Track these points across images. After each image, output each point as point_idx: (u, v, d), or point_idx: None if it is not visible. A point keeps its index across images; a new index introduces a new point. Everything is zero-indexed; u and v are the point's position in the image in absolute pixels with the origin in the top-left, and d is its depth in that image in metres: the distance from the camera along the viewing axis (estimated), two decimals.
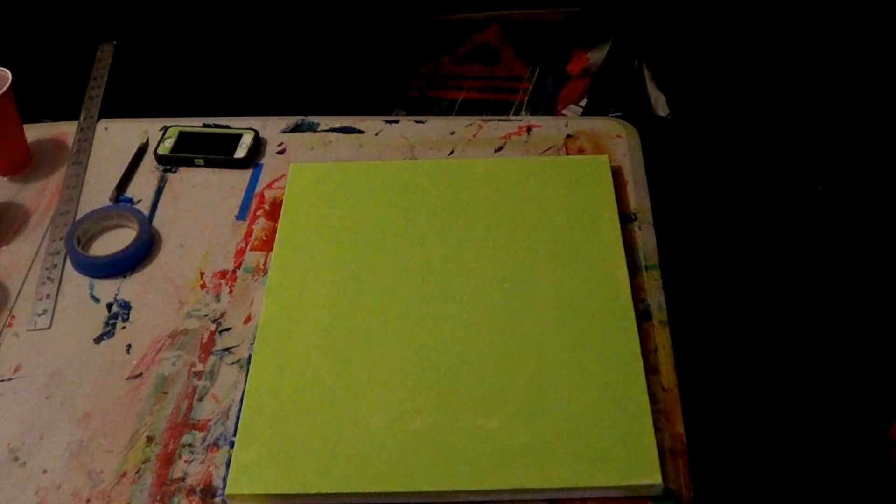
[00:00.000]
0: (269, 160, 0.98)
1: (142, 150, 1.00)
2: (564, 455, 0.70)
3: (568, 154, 0.97)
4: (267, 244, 0.89)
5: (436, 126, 1.01)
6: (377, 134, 1.01)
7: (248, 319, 0.83)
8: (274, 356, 0.78)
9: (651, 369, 0.77)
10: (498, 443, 0.71)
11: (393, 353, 0.78)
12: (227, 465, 0.72)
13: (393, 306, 0.82)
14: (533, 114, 1.48)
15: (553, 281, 0.83)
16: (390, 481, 0.69)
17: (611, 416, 0.73)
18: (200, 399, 0.77)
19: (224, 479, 0.71)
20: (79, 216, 0.93)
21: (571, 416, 0.73)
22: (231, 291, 0.85)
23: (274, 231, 0.90)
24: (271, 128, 1.02)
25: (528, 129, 1.00)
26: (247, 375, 0.77)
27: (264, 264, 0.88)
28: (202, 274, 0.87)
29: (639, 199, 0.92)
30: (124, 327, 0.83)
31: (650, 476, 0.69)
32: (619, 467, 0.69)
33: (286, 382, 0.76)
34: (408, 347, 0.78)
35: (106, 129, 1.03)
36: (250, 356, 0.79)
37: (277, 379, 0.76)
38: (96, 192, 0.96)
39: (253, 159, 0.98)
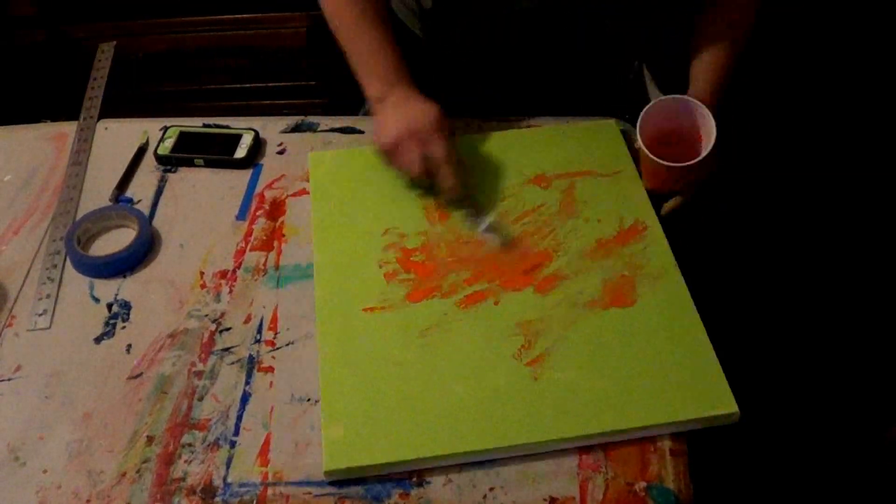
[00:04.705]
0: (269, 160, 0.98)
1: (142, 150, 1.00)
2: (642, 396, 0.73)
3: None
4: (267, 244, 0.89)
5: None
6: None
7: (247, 319, 0.83)
8: (339, 335, 0.79)
9: None
10: (579, 392, 0.74)
11: (459, 318, 0.80)
12: (228, 465, 0.72)
13: (448, 272, 0.84)
14: None
15: (594, 238, 0.86)
16: (483, 439, 0.71)
17: (678, 357, 0.76)
18: (200, 399, 0.77)
19: (224, 479, 0.71)
20: (79, 216, 0.93)
21: (642, 362, 0.76)
22: (231, 291, 0.85)
23: (274, 231, 0.90)
24: (271, 128, 1.02)
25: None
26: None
27: (264, 264, 0.88)
28: (202, 274, 0.87)
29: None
30: (124, 327, 0.83)
31: (727, 406, 0.73)
32: (697, 401, 0.73)
33: (358, 358, 0.77)
34: (472, 312, 0.80)
35: (106, 129, 1.03)
36: (251, 356, 0.80)
37: (348, 356, 0.78)
38: (96, 192, 0.96)
39: (253, 159, 0.98)
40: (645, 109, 0.88)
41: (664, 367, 0.75)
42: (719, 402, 0.73)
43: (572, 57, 1.02)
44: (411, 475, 0.71)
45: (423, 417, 0.73)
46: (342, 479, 0.71)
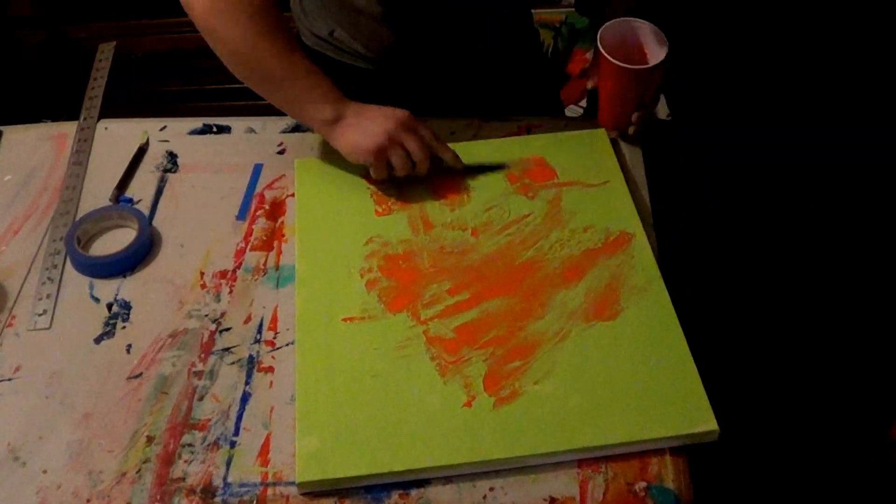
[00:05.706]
0: (269, 160, 0.98)
1: (142, 150, 1.00)
2: (622, 413, 0.72)
3: None
4: (267, 244, 0.89)
5: (436, 126, 1.01)
6: None
7: (247, 319, 0.83)
8: (317, 344, 0.79)
9: None
10: (558, 407, 0.73)
11: (438, 329, 0.79)
12: (228, 465, 0.72)
13: (430, 282, 0.83)
14: None
15: (580, 249, 0.85)
16: (459, 453, 0.70)
17: (658, 373, 0.75)
18: (200, 399, 0.77)
19: (224, 479, 0.71)
20: (79, 216, 0.93)
21: (623, 378, 0.75)
22: (231, 291, 0.85)
23: (274, 231, 0.90)
24: (271, 128, 1.02)
25: (528, 129, 1.00)
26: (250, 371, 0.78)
27: (264, 264, 0.88)
28: (202, 274, 0.87)
29: (639, 199, 0.92)
30: (124, 327, 0.83)
31: (706, 423, 0.72)
32: (676, 418, 0.72)
33: (335, 368, 0.77)
34: (453, 323, 0.80)
35: (106, 129, 1.03)
36: (251, 356, 0.80)
37: (325, 366, 0.77)
38: (96, 192, 0.96)
39: None
40: (602, 27, 0.93)
41: (645, 383, 0.74)
42: (699, 419, 0.72)
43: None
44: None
45: (398, 430, 0.72)
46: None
